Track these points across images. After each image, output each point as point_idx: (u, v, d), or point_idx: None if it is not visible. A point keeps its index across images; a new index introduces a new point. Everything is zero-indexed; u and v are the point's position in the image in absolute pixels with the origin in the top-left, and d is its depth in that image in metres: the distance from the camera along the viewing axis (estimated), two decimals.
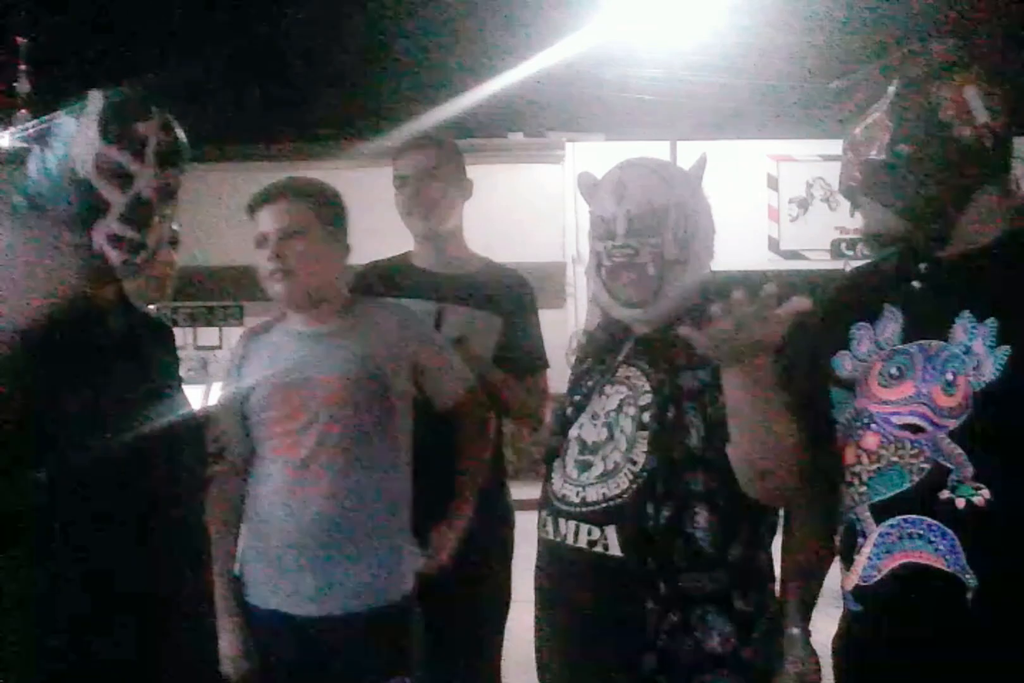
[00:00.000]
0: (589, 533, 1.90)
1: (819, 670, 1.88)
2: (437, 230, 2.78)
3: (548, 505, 2.01)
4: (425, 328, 2.57)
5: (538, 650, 2.05)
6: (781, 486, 1.81)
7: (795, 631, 1.89)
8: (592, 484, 1.93)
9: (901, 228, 1.74)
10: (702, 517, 1.86)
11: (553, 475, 2.02)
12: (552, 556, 1.99)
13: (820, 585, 1.95)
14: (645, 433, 1.90)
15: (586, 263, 2.12)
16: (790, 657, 1.87)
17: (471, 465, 2.58)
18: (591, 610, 1.91)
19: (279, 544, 2.31)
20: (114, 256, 1.76)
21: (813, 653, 1.88)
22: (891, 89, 1.73)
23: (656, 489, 1.86)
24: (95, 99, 1.78)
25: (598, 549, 1.89)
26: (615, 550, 1.87)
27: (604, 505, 1.90)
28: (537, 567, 2.05)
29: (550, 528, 1.98)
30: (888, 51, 1.79)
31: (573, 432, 2.02)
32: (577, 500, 1.93)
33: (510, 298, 2.82)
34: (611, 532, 1.88)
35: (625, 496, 1.88)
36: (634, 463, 1.89)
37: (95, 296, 1.81)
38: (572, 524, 1.93)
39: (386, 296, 2.72)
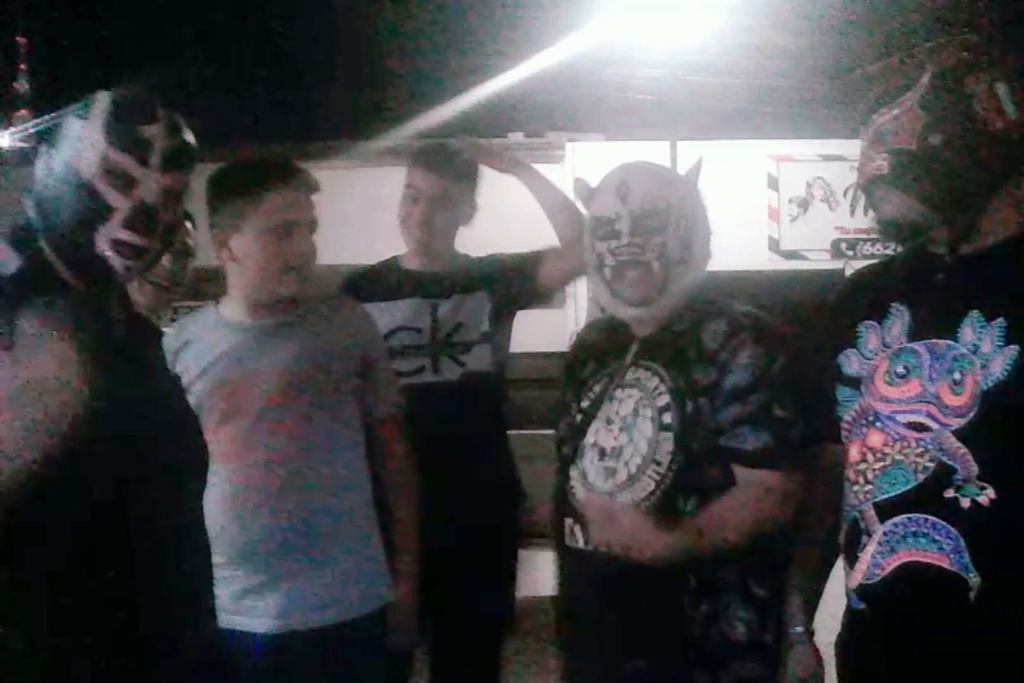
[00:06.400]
0: None
1: (822, 669, 1.88)
2: (431, 245, 2.81)
3: (573, 514, 1.99)
4: (377, 333, 2.45)
5: (568, 658, 2.04)
6: None
7: (799, 630, 1.89)
8: (621, 491, 1.93)
9: (924, 219, 1.73)
10: None
11: (573, 483, 2.01)
12: (579, 564, 1.99)
13: (824, 584, 1.94)
14: (668, 434, 1.90)
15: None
16: (793, 656, 1.88)
17: (407, 514, 2.33)
18: (627, 614, 1.91)
19: (231, 559, 2.12)
20: (116, 261, 1.74)
21: (816, 652, 1.88)
22: (924, 79, 1.71)
23: (684, 486, 1.87)
24: (101, 101, 1.75)
25: None
26: None
27: None
28: (562, 576, 2.05)
29: (579, 536, 1.98)
30: (910, 43, 1.76)
31: (588, 439, 2.01)
32: None
33: (490, 271, 2.83)
34: None
35: (653, 498, 1.89)
36: (658, 464, 1.90)
37: (94, 296, 1.81)
38: None
39: (376, 298, 2.73)
